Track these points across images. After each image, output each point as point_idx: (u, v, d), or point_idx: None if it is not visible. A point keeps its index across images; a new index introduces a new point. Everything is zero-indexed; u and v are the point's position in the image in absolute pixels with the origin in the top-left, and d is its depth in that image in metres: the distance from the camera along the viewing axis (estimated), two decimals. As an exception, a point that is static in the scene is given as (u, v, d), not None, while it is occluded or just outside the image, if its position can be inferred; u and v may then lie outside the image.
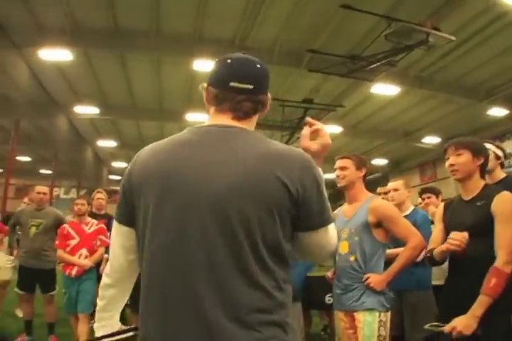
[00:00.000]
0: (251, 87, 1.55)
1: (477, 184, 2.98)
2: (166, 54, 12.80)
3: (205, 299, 1.34)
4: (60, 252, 5.23)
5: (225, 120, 1.58)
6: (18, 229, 6.48)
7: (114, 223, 1.66)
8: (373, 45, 10.60)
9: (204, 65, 12.45)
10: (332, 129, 18.26)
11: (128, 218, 1.58)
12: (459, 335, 2.57)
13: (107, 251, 5.15)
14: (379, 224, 3.36)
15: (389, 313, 3.29)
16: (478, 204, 2.87)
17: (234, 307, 1.34)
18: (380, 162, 24.44)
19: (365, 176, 3.59)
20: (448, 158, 3.01)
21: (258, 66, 1.61)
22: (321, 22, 10.75)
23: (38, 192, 6.00)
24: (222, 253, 1.36)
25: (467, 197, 3.00)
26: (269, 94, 1.64)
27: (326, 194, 1.53)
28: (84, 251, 5.21)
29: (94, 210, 6.67)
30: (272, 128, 17.74)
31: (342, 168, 3.53)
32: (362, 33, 11.03)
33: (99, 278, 5.91)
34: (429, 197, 5.47)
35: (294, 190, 1.41)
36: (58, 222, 5.87)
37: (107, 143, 24.51)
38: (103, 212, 6.69)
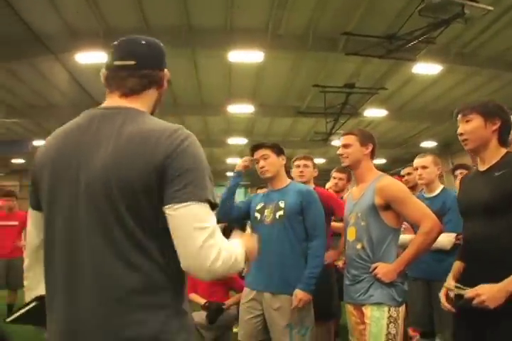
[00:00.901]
0: (132, 62, 1.59)
1: (495, 153, 2.46)
2: (199, 48, 12.73)
3: (84, 279, 1.42)
4: None
5: (114, 100, 1.63)
6: None
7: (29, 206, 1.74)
8: (409, 23, 10.15)
9: (239, 56, 12.42)
10: (376, 113, 17.92)
11: (34, 202, 1.66)
12: (479, 305, 2.15)
13: None
14: (387, 207, 2.99)
15: (401, 308, 2.94)
16: (496, 174, 2.36)
17: (113, 290, 1.41)
18: (428, 145, 23.68)
19: (372, 153, 3.24)
20: None
21: (143, 42, 1.65)
22: (352, 3, 10.37)
23: None
24: (99, 236, 1.42)
25: (483, 168, 2.51)
26: (165, 71, 1.70)
27: (203, 170, 1.48)
28: None
29: None
30: (316, 116, 17.55)
31: (345, 146, 3.21)
32: (395, 11, 10.57)
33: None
34: (461, 173, 4.88)
35: (160, 166, 1.41)
36: None
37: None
38: None
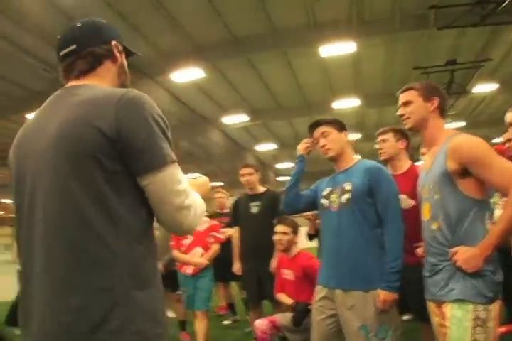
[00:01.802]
0: (74, 46, 1.59)
1: None
2: (289, 49, 12.78)
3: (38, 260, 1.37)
4: (175, 252, 5.29)
5: (70, 84, 1.61)
6: None
7: None
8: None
9: (330, 50, 12.28)
10: (487, 88, 16.86)
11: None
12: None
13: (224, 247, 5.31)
14: (465, 172, 2.31)
15: (493, 306, 2.22)
16: None
17: (57, 267, 1.33)
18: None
19: (440, 109, 2.61)
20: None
21: (78, 25, 1.64)
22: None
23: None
24: (55, 224, 1.36)
25: None
26: (112, 43, 1.66)
27: (154, 130, 1.40)
28: (198, 249, 5.21)
29: (217, 209, 6.92)
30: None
31: (405, 104, 2.66)
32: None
33: (221, 275, 5.84)
34: None
35: (109, 132, 1.34)
36: None
37: (266, 147, 25.18)
38: (226, 210, 6.67)
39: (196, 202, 1.48)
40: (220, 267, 5.54)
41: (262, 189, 5.23)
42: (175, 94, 15.78)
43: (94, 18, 1.70)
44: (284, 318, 4.12)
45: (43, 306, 1.33)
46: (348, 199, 2.97)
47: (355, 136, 21.64)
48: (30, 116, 13.42)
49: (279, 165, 31.75)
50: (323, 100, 16.96)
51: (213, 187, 7.38)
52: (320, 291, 3.11)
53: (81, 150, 1.34)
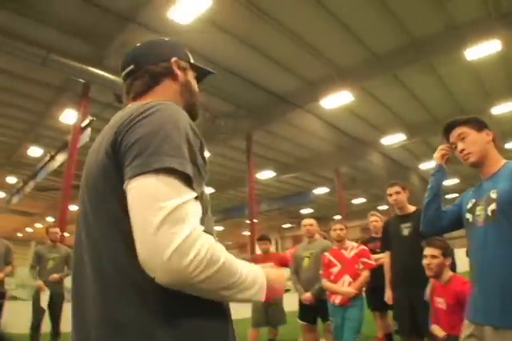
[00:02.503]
0: (132, 66, 1.55)
1: None
2: (433, 58, 12.48)
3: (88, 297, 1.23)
4: (324, 281, 5.21)
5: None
6: None
7: None
8: None
9: (475, 52, 11.62)
10: None
11: None
12: None
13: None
14: None
15: None
16: None
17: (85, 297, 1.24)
18: None
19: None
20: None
21: (138, 45, 1.61)
22: None
23: (307, 225, 6.08)
24: (81, 235, 1.31)
25: None
26: (172, 60, 1.56)
27: (160, 135, 1.17)
28: (347, 278, 5.08)
29: (372, 234, 6.88)
30: None
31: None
32: None
33: (376, 304, 5.72)
34: None
35: (112, 145, 1.22)
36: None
37: (430, 165, 24.31)
38: (377, 235, 6.45)
39: (215, 248, 1.11)
40: (375, 295, 5.39)
41: (411, 208, 4.73)
42: (327, 120, 16.12)
43: (158, 38, 1.66)
44: None
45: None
46: (493, 211, 2.44)
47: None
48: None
49: (445, 182, 30.33)
50: (479, 107, 15.91)
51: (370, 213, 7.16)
52: (467, 327, 2.52)
53: (94, 171, 1.28)
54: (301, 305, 5.76)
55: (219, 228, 34.57)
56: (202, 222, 1.16)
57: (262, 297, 1.22)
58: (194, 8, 9.37)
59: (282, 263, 6.51)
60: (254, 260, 6.73)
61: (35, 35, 10.33)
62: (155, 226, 1.04)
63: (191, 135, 1.23)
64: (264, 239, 6.90)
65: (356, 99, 13.70)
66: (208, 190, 1.37)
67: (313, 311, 5.63)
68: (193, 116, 1.50)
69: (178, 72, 1.56)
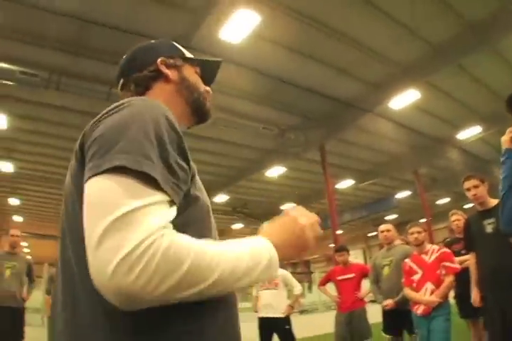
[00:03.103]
0: (122, 81, 1.47)
1: None
2: (495, 40, 12.00)
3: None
4: (406, 290, 4.95)
5: None
6: None
7: None
8: None
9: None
10: None
11: None
12: None
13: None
14: None
15: None
16: None
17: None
18: None
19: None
20: None
21: (124, 56, 1.52)
22: None
23: (384, 230, 6.01)
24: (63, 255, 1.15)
25: None
26: (158, 61, 1.44)
27: (120, 132, 1.00)
28: (428, 285, 4.75)
29: (456, 235, 6.43)
30: None
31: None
32: None
33: (467, 311, 5.34)
34: None
35: (82, 157, 1.07)
36: None
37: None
38: (461, 236, 6.07)
39: (176, 247, 0.89)
40: (464, 301, 5.09)
41: (494, 202, 4.11)
42: (398, 121, 15.99)
43: (145, 42, 1.56)
44: None
45: None
46: None
47: None
48: (269, 172, 14.91)
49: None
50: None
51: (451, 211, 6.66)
52: None
53: (67, 184, 1.16)
54: (385, 317, 5.60)
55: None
56: (197, 231, 1.04)
57: (271, 273, 1.03)
58: (244, 25, 9.72)
59: (364, 274, 6.36)
60: (333, 273, 6.66)
61: (97, 73, 11.12)
62: (96, 239, 0.87)
63: (165, 131, 1.04)
64: (341, 250, 6.63)
65: (423, 95, 13.54)
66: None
67: (398, 323, 5.44)
68: (201, 115, 1.48)
69: (168, 72, 1.45)
